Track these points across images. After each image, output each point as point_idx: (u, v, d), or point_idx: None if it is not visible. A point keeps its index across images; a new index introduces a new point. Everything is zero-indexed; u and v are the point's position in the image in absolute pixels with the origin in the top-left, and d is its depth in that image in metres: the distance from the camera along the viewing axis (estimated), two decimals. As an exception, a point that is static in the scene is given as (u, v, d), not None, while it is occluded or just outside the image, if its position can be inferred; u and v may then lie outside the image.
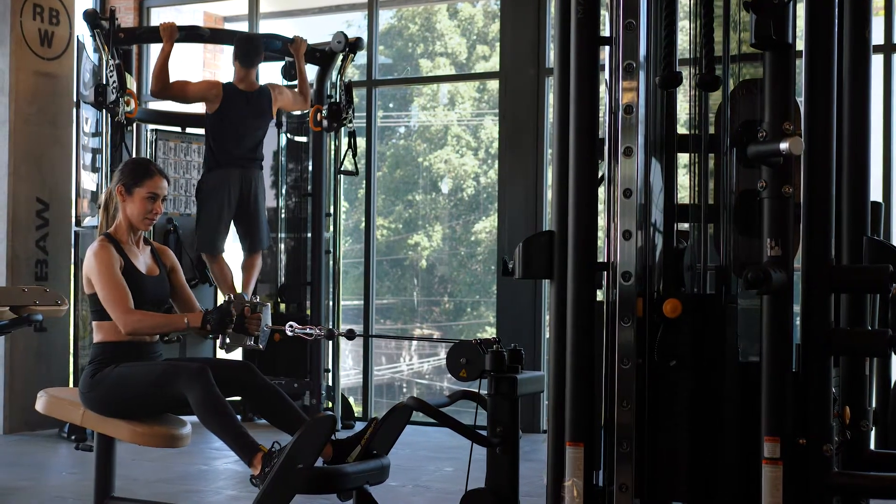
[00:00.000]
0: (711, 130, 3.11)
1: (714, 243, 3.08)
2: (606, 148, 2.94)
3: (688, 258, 2.99)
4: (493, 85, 9.33)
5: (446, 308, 10.06)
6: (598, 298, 2.98)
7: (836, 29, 2.88)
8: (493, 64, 9.34)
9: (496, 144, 9.70)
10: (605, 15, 3.02)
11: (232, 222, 6.71)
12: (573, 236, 2.93)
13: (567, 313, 2.94)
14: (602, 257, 2.98)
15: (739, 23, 3.06)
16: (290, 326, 3.81)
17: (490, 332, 9.34)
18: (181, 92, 6.58)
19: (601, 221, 2.97)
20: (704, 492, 2.87)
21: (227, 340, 3.74)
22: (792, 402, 2.74)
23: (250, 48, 6.70)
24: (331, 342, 7.05)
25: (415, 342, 10.15)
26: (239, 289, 6.68)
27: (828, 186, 2.80)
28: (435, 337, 10.12)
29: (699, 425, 2.88)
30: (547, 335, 7.22)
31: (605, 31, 3.01)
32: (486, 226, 9.54)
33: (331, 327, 3.79)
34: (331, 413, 3.49)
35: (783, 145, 2.59)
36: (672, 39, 2.79)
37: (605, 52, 3.01)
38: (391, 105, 9.82)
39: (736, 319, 2.91)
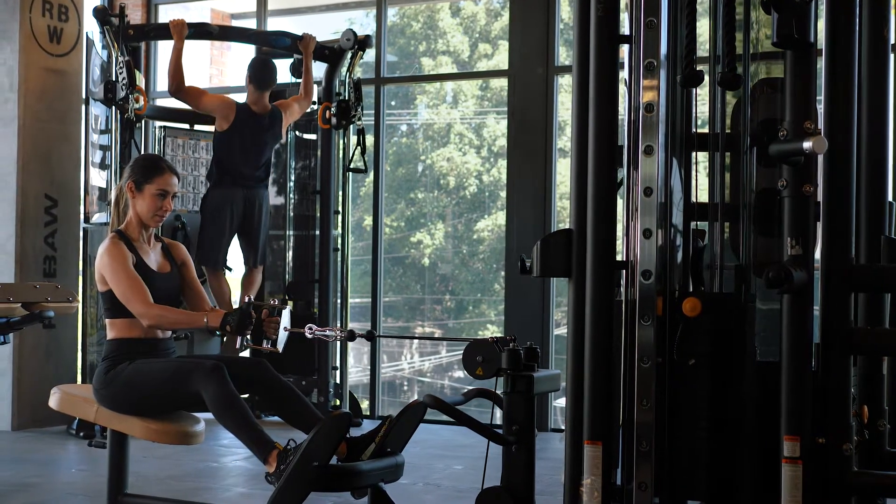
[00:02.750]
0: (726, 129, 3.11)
1: (731, 242, 3.08)
2: (626, 146, 2.94)
3: (707, 257, 2.99)
4: (496, 83, 9.32)
5: (448, 306, 10.06)
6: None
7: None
8: (496, 62, 9.33)
9: (499, 142, 9.70)
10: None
11: (236, 236, 6.75)
12: (592, 235, 2.92)
13: (586, 312, 2.94)
14: (619, 255, 2.98)
15: (758, 21, 3.06)
16: (310, 328, 3.78)
17: (492, 330, 9.34)
18: (195, 99, 6.61)
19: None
20: (723, 491, 2.87)
21: (246, 343, 3.74)
22: (811, 402, 2.74)
23: (265, 71, 6.75)
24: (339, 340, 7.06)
25: (416, 340, 10.14)
26: (236, 304, 6.69)
27: (848, 185, 2.79)
28: (437, 335, 10.11)
29: (718, 424, 2.87)
30: (553, 333, 7.25)
31: (624, 30, 3.01)
32: (489, 224, 9.54)
33: (350, 328, 3.77)
34: (346, 411, 3.48)
35: (806, 144, 2.59)
36: (693, 37, 2.78)
37: (622, 51, 3.01)
38: (393, 103, 9.82)
39: (755, 319, 2.91)
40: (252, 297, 3.77)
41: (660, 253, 2.87)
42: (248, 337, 3.73)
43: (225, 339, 3.79)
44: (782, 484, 2.70)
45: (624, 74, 3.00)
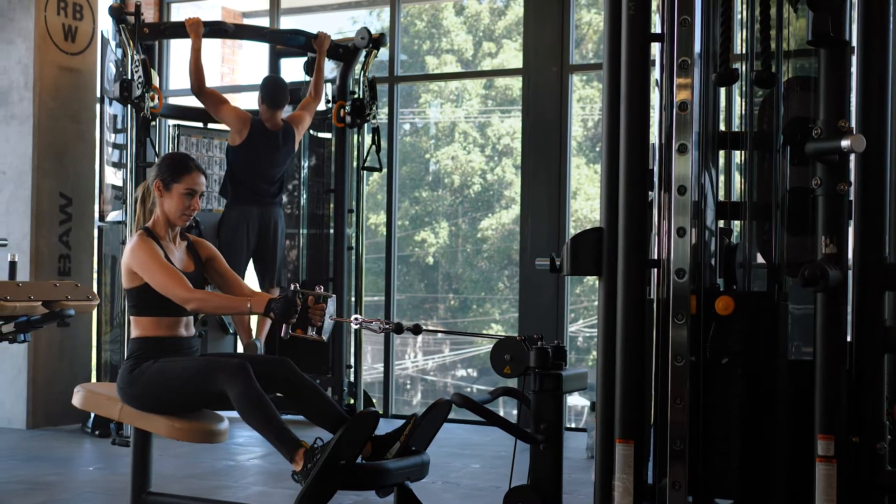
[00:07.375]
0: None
1: (760, 241, 3.07)
2: (658, 145, 2.94)
3: (739, 255, 2.99)
4: (501, 82, 9.32)
5: (451, 305, 10.06)
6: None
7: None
8: (501, 60, 9.33)
9: (503, 141, 9.69)
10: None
11: (251, 259, 6.73)
12: (624, 233, 2.92)
13: (617, 311, 2.94)
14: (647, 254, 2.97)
15: (788, 19, 3.06)
16: (356, 319, 3.80)
17: (496, 329, 9.34)
18: (215, 105, 6.57)
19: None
20: (757, 489, 2.87)
21: (290, 330, 3.69)
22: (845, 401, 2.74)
23: (276, 90, 6.73)
24: (353, 338, 7.06)
25: (418, 340, 10.13)
26: (254, 327, 6.68)
27: (882, 184, 2.79)
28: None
29: (751, 423, 2.87)
30: (568, 331, 7.24)
31: (655, 28, 3.00)
32: (493, 223, 9.54)
33: (397, 321, 3.73)
34: (374, 409, 3.48)
35: (844, 143, 2.59)
36: (728, 36, 2.78)
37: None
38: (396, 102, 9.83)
39: (787, 317, 2.91)
40: (298, 285, 3.74)
41: (693, 251, 2.87)
42: (292, 325, 3.68)
43: (290, 331, 3.72)
44: (816, 483, 2.70)
45: (654, 72, 3.00)
